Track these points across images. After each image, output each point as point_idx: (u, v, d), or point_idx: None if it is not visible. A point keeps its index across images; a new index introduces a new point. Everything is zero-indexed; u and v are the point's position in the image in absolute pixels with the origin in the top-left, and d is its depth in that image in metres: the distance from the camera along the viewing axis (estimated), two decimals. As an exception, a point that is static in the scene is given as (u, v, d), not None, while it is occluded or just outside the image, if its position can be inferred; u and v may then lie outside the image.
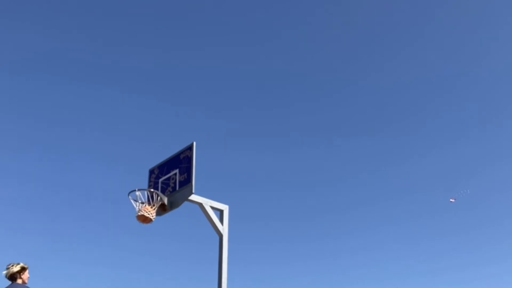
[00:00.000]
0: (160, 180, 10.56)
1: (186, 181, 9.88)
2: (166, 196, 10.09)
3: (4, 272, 6.25)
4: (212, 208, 10.67)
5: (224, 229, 10.67)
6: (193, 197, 10.21)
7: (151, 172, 10.96)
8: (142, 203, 9.62)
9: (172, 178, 10.24)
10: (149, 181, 10.89)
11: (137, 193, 9.60)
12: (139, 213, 9.36)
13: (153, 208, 9.55)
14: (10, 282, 6.24)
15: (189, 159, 10.00)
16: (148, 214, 9.36)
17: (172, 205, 10.01)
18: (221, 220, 10.74)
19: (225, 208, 10.87)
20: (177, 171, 10.19)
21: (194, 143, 10.13)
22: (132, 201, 9.67)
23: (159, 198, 9.77)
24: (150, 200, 9.82)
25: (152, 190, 9.83)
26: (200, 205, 10.46)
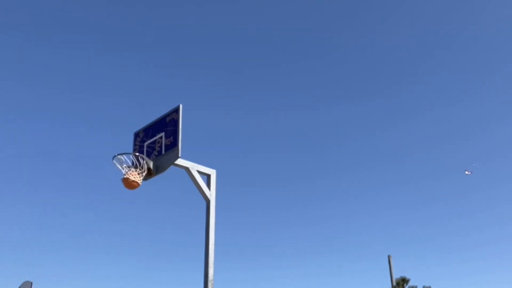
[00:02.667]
0: (146, 143, 10.24)
1: (172, 145, 9.57)
2: (152, 160, 9.79)
3: None
4: (199, 172, 10.40)
5: (211, 194, 10.44)
6: (180, 161, 9.94)
7: (136, 135, 10.61)
8: (128, 167, 9.32)
9: (157, 142, 9.92)
10: (134, 144, 10.55)
11: (122, 157, 9.27)
12: (125, 176, 9.07)
13: (139, 173, 9.26)
14: None
15: (176, 122, 9.67)
16: (135, 178, 9.07)
17: (158, 169, 9.72)
18: (208, 185, 10.50)
19: (212, 172, 10.61)
20: (162, 134, 9.87)
21: (181, 106, 9.77)
22: (117, 165, 9.35)
23: (144, 162, 9.47)
24: (137, 164, 9.52)
25: (137, 154, 9.51)
26: (187, 169, 10.19)
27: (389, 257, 35.57)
